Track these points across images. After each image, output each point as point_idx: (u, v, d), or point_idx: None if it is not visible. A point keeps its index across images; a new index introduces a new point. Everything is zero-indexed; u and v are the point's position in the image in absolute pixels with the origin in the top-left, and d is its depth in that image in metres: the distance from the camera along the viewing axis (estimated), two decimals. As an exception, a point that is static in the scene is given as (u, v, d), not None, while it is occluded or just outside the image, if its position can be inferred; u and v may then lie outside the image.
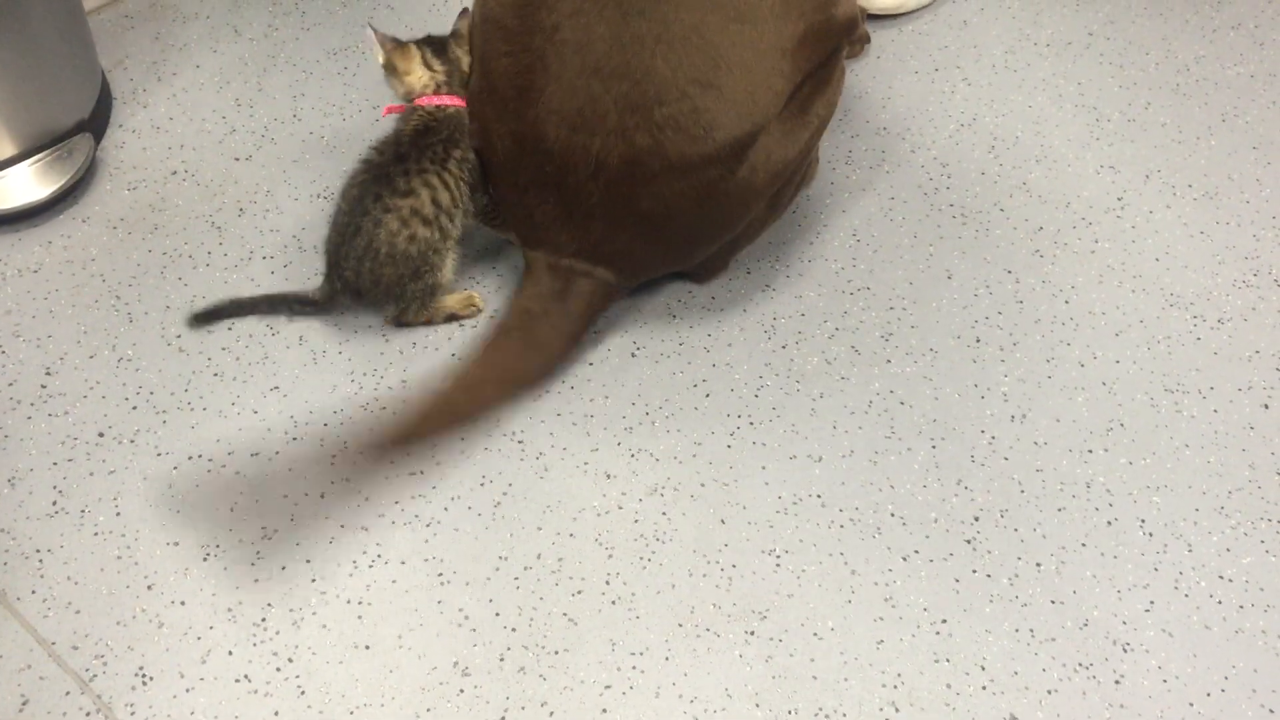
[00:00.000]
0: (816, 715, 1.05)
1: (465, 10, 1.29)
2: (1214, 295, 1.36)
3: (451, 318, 1.29)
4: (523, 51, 1.16)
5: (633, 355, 1.28)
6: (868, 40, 1.60)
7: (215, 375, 1.25)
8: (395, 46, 1.27)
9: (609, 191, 1.16)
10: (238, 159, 1.45)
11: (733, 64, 1.13)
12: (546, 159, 1.16)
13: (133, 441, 1.20)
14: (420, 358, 1.27)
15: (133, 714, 1.03)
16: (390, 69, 1.27)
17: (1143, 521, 1.18)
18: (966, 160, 1.48)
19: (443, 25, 1.60)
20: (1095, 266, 1.38)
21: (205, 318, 1.28)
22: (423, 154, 1.21)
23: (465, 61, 1.27)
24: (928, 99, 1.55)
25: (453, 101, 1.26)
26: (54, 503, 1.15)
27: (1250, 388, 1.28)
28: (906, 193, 1.45)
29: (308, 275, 1.33)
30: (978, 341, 1.31)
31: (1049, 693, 1.06)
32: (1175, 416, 1.25)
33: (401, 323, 1.28)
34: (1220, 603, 1.12)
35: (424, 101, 1.25)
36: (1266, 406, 1.26)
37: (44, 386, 1.24)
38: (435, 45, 1.28)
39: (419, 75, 1.26)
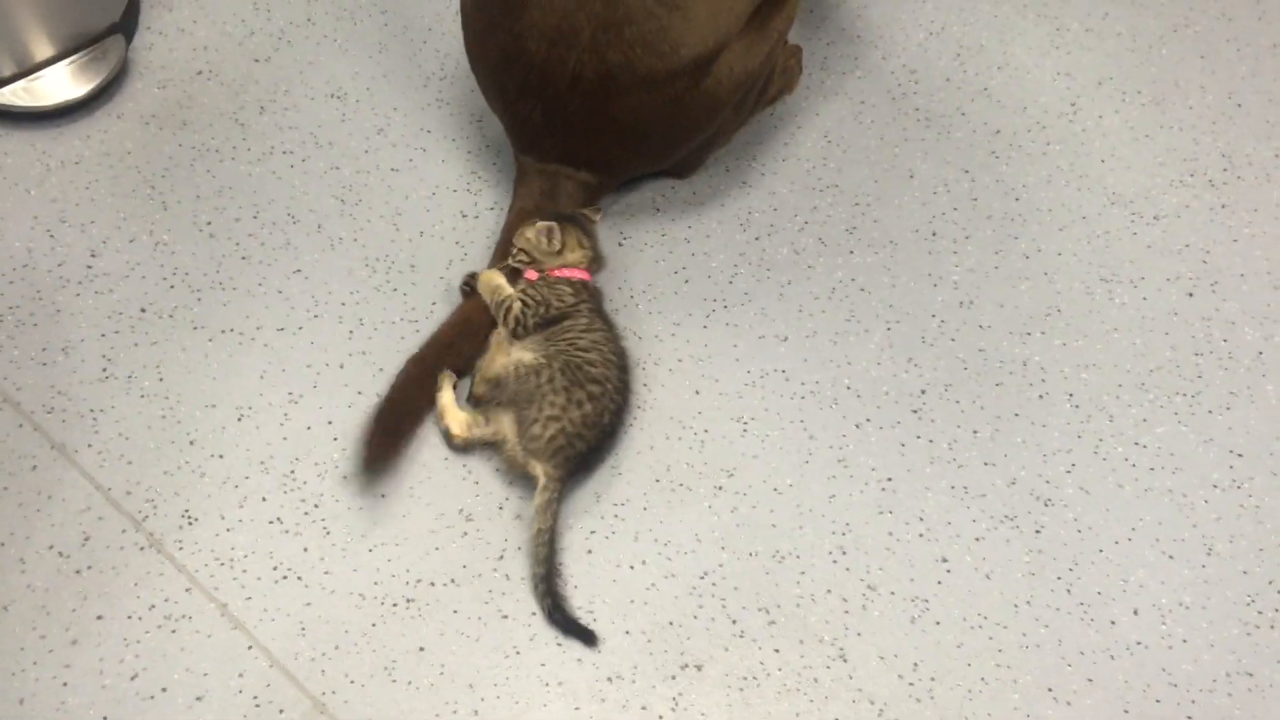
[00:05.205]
0: (774, 557, 1.20)
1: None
2: (1152, 194, 1.49)
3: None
4: None
5: (619, 245, 1.42)
6: (847, -49, 1.70)
7: (243, 259, 1.39)
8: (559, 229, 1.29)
9: (585, 103, 1.28)
10: (257, 60, 1.57)
11: None
12: (530, 71, 1.28)
13: (171, 316, 1.34)
14: (427, 245, 1.40)
15: (181, 549, 1.19)
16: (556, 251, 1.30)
17: (1070, 395, 1.32)
18: (933, 67, 1.60)
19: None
20: (1045, 167, 1.51)
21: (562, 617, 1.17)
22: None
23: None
24: (900, 7, 1.66)
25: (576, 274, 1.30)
26: (104, 369, 1.30)
27: (1178, 278, 1.41)
28: (876, 97, 1.56)
29: (324, 169, 1.46)
30: (934, 235, 1.44)
31: (976, 540, 1.22)
32: (1108, 303, 1.39)
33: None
34: (1134, 465, 1.27)
35: (556, 273, 1.29)
36: (1191, 295, 1.40)
37: (89, 267, 1.38)
38: (580, 224, 1.32)
39: (580, 252, 1.31)
